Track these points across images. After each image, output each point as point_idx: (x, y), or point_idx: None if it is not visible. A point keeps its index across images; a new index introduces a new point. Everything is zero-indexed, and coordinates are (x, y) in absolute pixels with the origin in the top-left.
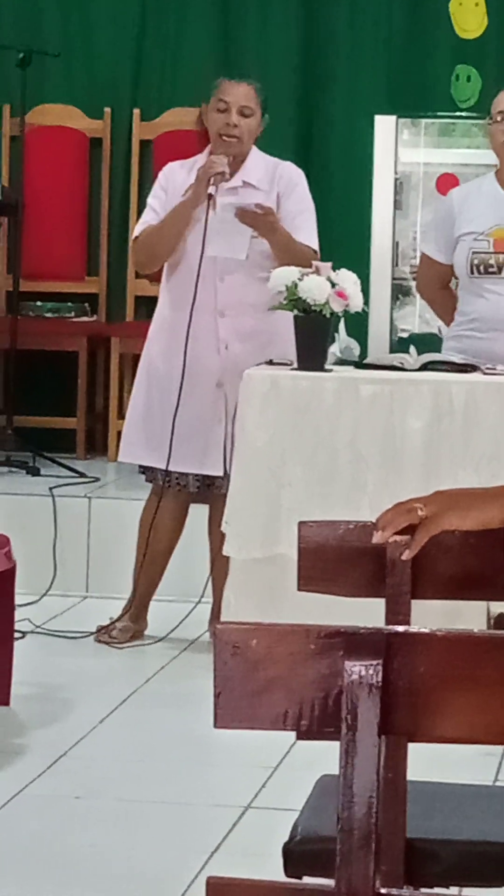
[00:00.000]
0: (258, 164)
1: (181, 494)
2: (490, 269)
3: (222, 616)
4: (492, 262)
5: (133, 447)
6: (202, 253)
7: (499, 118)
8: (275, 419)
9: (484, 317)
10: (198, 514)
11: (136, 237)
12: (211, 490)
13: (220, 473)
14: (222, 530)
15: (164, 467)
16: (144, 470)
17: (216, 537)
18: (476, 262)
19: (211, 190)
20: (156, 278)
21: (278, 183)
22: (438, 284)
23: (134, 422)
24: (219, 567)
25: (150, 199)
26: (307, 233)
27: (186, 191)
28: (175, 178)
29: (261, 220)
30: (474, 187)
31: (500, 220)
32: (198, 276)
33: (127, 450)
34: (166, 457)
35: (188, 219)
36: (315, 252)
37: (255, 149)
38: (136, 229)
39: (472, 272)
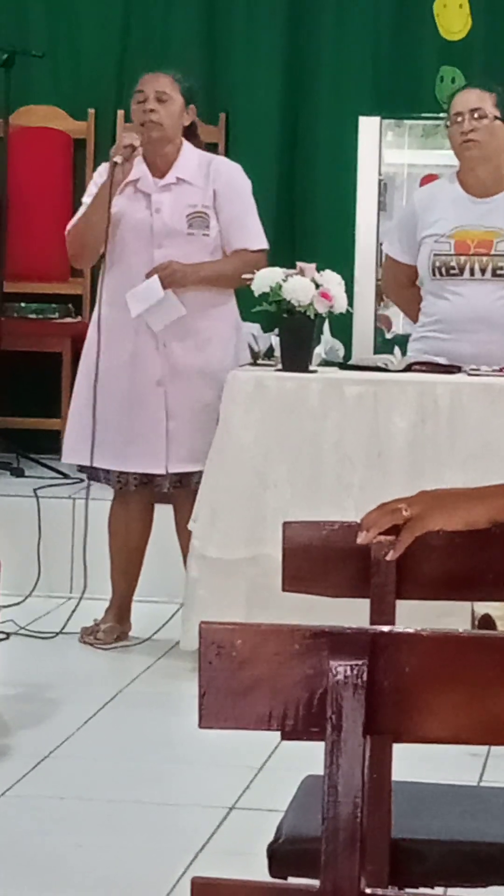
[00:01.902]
0: (191, 159)
1: (143, 492)
2: (451, 271)
3: (203, 615)
4: (453, 263)
5: (75, 448)
6: (108, 228)
7: (457, 119)
8: (260, 420)
9: (447, 318)
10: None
11: (67, 231)
12: (149, 488)
13: (162, 472)
14: (189, 528)
15: (104, 467)
16: (83, 469)
17: (185, 535)
18: (438, 264)
19: (117, 159)
20: None
21: (214, 179)
22: (405, 284)
23: (75, 422)
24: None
25: (84, 198)
26: (254, 234)
27: (124, 187)
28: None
29: (167, 278)
30: (437, 189)
31: (462, 222)
32: (105, 250)
33: (70, 451)
34: (107, 457)
35: (107, 201)
36: (258, 251)
37: (188, 144)
38: (68, 225)
39: (434, 274)
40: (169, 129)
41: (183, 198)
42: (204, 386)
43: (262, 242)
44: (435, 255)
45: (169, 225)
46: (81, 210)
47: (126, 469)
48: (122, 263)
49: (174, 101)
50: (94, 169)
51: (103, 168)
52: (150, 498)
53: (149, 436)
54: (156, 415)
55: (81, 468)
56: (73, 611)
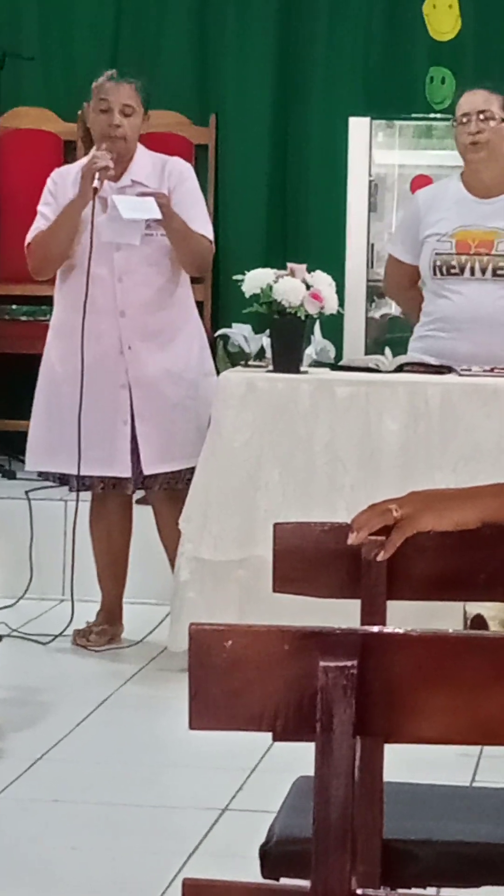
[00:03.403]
0: (145, 161)
1: (116, 496)
2: (452, 271)
3: (194, 617)
4: (454, 263)
5: (38, 455)
6: (91, 251)
7: (464, 120)
8: (251, 421)
9: (447, 317)
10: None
11: (29, 243)
12: (116, 490)
13: (128, 475)
14: (180, 528)
15: (70, 472)
16: (45, 475)
17: (166, 537)
18: (438, 263)
19: (96, 184)
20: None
21: (168, 179)
22: (406, 285)
23: (37, 429)
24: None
25: (40, 207)
26: (202, 223)
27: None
28: (64, 183)
29: (161, 201)
30: (440, 189)
31: (464, 222)
32: (88, 274)
33: (32, 458)
34: (71, 462)
35: (77, 218)
36: (210, 242)
37: (140, 147)
38: (29, 236)
39: (434, 273)
40: (131, 142)
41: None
42: (170, 386)
43: (211, 235)
44: (436, 254)
45: (107, 216)
46: (41, 221)
47: (91, 473)
48: (80, 268)
49: (138, 114)
50: None
51: (57, 175)
52: (126, 500)
53: (114, 439)
54: (121, 418)
55: (45, 474)
56: (72, 616)
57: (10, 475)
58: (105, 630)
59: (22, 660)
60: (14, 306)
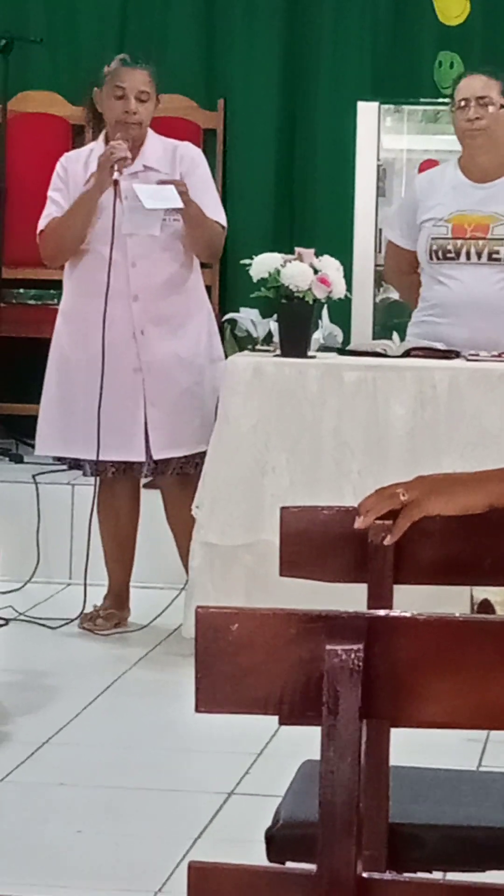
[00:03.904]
0: (156, 147)
1: (125, 480)
2: (448, 255)
3: (203, 601)
4: (450, 247)
5: (50, 440)
6: (112, 238)
7: (462, 104)
8: (258, 406)
9: (443, 302)
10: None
11: (42, 230)
12: (127, 475)
13: (142, 459)
14: (193, 514)
15: (83, 457)
16: (60, 460)
17: (175, 521)
18: (435, 247)
19: (116, 175)
20: None
21: (180, 163)
22: (405, 270)
23: (48, 413)
24: (185, 549)
25: (50, 193)
26: (214, 209)
27: (88, 179)
28: (74, 168)
29: (180, 189)
30: (437, 174)
31: (461, 206)
32: (110, 261)
33: (44, 443)
34: (83, 447)
35: (94, 207)
36: (223, 228)
37: (151, 132)
38: (41, 223)
39: (431, 258)
40: (145, 127)
41: (149, 183)
42: (181, 371)
43: (224, 220)
44: (432, 238)
45: (127, 206)
46: (52, 207)
47: (105, 458)
48: (92, 253)
49: (152, 100)
50: None
51: (66, 160)
52: (134, 485)
53: (127, 424)
54: (134, 402)
55: (61, 459)
56: (84, 600)
57: (18, 459)
58: (112, 614)
59: (28, 644)
60: (21, 290)
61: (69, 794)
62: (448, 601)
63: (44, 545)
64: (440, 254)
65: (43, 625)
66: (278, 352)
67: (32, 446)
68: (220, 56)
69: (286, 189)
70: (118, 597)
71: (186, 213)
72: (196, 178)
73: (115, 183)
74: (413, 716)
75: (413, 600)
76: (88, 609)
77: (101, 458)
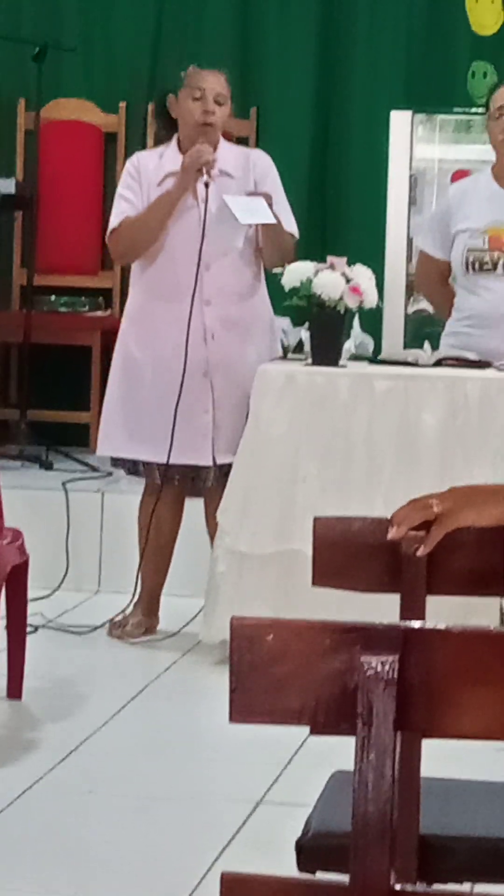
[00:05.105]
0: (230, 152)
1: (179, 487)
2: (485, 267)
3: (228, 610)
4: (486, 259)
5: (112, 440)
6: (202, 242)
7: (497, 115)
8: (289, 414)
9: (479, 313)
10: (200, 509)
11: (115, 229)
12: (196, 483)
13: (209, 464)
14: (217, 520)
15: (149, 459)
16: (119, 462)
17: (215, 527)
18: (471, 259)
19: (205, 179)
20: None
21: (253, 170)
22: (437, 280)
23: (113, 415)
24: None
25: (122, 191)
26: (287, 218)
27: (163, 180)
28: (147, 168)
29: (268, 202)
30: (471, 183)
31: (496, 217)
32: (198, 266)
33: (107, 444)
34: (155, 450)
35: (172, 210)
36: (296, 238)
37: (221, 138)
38: (113, 221)
39: (467, 269)
40: (219, 131)
41: (225, 189)
42: (246, 376)
43: (297, 231)
44: (469, 250)
45: (214, 215)
46: (124, 205)
47: (175, 462)
48: (166, 254)
49: (227, 105)
50: (125, 162)
51: (137, 159)
52: (180, 492)
53: (195, 428)
54: (202, 407)
55: (119, 462)
56: (126, 609)
57: (48, 466)
58: (141, 622)
59: (57, 651)
60: (53, 297)
61: (98, 801)
62: (477, 612)
63: (73, 552)
64: (476, 265)
65: (71, 632)
66: (310, 360)
67: (63, 453)
68: (254, 64)
69: (318, 198)
70: (149, 604)
71: (267, 225)
72: (269, 187)
73: (206, 186)
74: (447, 727)
75: (442, 610)
76: (118, 616)
77: (170, 461)
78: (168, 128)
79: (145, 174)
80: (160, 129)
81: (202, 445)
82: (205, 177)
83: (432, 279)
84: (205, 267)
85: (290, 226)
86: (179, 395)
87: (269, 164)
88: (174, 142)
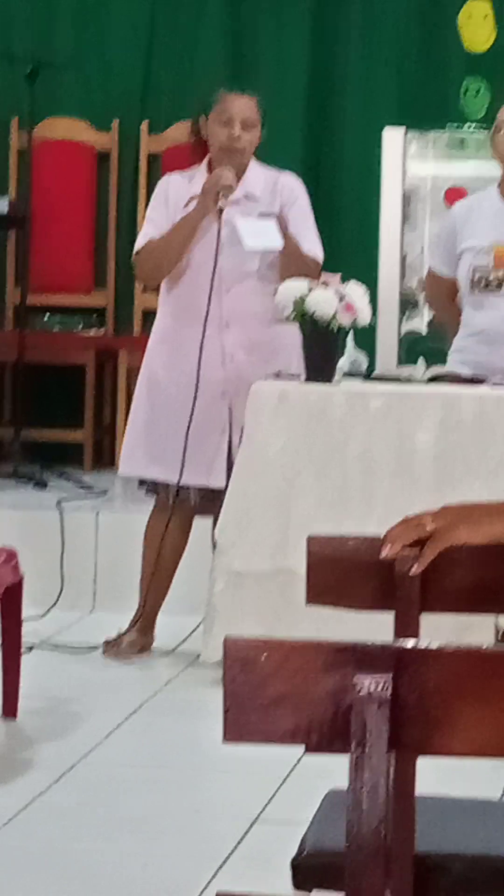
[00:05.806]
0: (258, 176)
1: (187, 507)
2: (490, 284)
3: (225, 629)
4: (492, 277)
5: (135, 460)
6: (215, 265)
7: (502, 129)
8: (284, 432)
9: (485, 330)
10: (201, 528)
11: (139, 251)
12: (214, 504)
13: (222, 486)
14: (215, 539)
15: (169, 480)
16: (144, 483)
17: None
18: (477, 277)
19: (221, 203)
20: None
21: (281, 194)
22: (446, 298)
23: (135, 434)
24: None
25: (150, 213)
26: (312, 242)
27: (188, 202)
28: (177, 190)
29: (281, 224)
30: (476, 201)
31: (502, 235)
32: (211, 287)
33: (128, 463)
34: (172, 470)
35: (194, 232)
36: (318, 263)
37: (253, 160)
38: (139, 242)
39: (473, 287)
40: (248, 155)
41: (249, 212)
42: None
43: (321, 255)
44: (474, 268)
45: (230, 238)
46: (150, 227)
47: (186, 482)
48: (189, 276)
49: (257, 128)
50: (118, 181)
51: (167, 182)
52: (189, 514)
53: (212, 449)
54: (220, 428)
55: (141, 482)
56: (127, 629)
57: (42, 485)
58: (135, 640)
59: (51, 670)
60: (47, 316)
61: (93, 818)
62: (473, 630)
63: (67, 572)
64: (482, 283)
65: (66, 651)
66: (304, 378)
67: (57, 472)
68: (247, 82)
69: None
70: (146, 622)
71: (284, 248)
72: (296, 211)
73: (220, 211)
74: (441, 746)
75: (437, 628)
76: (111, 635)
77: (183, 482)
78: (202, 148)
79: (174, 196)
80: (192, 150)
81: (218, 467)
82: (221, 201)
83: (441, 297)
84: (224, 290)
85: (312, 250)
86: (191, 417)
87: (297, 186)
88: (205, 164)
